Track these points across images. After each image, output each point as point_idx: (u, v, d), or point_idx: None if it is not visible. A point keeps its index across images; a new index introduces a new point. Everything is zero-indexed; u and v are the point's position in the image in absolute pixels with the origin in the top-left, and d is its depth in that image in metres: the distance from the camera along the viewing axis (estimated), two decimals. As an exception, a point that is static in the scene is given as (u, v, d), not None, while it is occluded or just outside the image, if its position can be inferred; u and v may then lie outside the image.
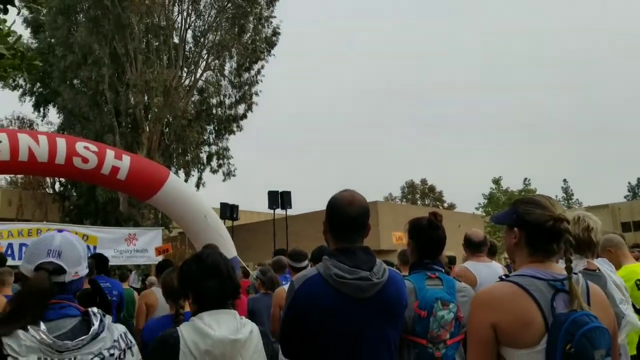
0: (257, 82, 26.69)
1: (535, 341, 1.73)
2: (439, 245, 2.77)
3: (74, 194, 26.67)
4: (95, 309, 1.79)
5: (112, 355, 1.71)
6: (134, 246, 12.98)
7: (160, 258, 12.92)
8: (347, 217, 2.26)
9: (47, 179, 26.63)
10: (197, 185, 26.50)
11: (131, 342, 1.82)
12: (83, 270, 1.84)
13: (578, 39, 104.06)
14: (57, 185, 27.84)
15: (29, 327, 1.60)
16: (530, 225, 1.91)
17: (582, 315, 1.70)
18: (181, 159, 25.97)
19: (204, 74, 25.67)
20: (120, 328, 1.82)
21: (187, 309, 3.07)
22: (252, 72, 26.54)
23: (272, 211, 19.45)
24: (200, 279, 2.15)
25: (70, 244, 1.81)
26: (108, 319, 1.79)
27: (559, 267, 1.91)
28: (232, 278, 2.19)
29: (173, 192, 13.02)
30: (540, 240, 1.91)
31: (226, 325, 2.05)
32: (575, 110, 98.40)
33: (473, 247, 4.66)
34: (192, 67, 25.27)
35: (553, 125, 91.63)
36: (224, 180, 27.28)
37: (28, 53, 3.96)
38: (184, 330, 2.03)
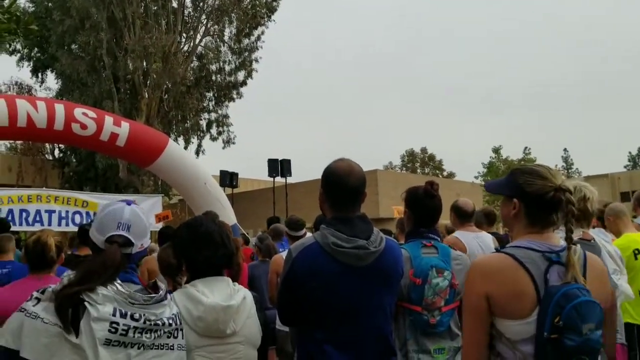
0: (257, 49, 26.38)
1: (526, 313, 1.75)
2: (435, 214, 2.78)
3: (74, 160, 26.63)
4: (161, 284, 1.88)
5: (170, 325, 1.78)
6: (134, 213, 13.01)
7: (160, 225, 13.00)
8: (346, 187, 2.26)
9: (47, 145, 26.53)
10: (197, 153, 26.49)
11: (181, 324, 1.88)
12: (147, 241, 1.94)
13: (581, 7, 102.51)
14: (56, 152, 27.78)
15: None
16: (530, 196, 1.89)
17: (573, 288, 1.70)
18: (180, 126, 25.83)
19: (203, 40, 25.35)
20: (176, 308, 1.89)
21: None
22: (252, 38, 26.18)
23: (272, 179, 19.47)
24: (193, 248, 2.14)
25: (138, 217, 1.88)
26: (169, 295, 1.88)
27: (557, 238, 1.91)
28: (225, 246, 2.18)
29: (172, 159, 13.01)
30: (540, 211, 1.89)
31: (219, 292, 2.06)
32: (576, 79, 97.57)
33: (463, 217, 4.63)
34: (191, 33, 24.92)
35: (554, 94, 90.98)
36: (223, 148, 27.25)
37: (24, 17, 3.91)
38: (177, 297, 2.04)
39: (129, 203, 1.91)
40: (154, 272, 5.82)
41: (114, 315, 1.63)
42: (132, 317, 1.66)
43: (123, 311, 1.65)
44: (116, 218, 1.83)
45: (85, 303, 1.60)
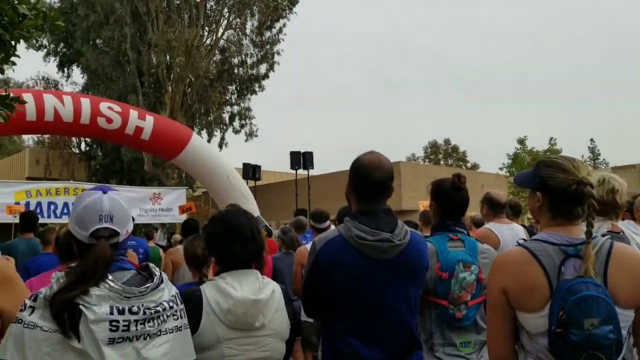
0: (279, 41, 26.37)
1: (540, 306, 1.75)
2: (462, 207, 2.75)
3: (100, 153, 27.03)
4: (152, 265, 1.83)
5: (171, 307, 1.74)
6: (159, 205, 13.20)
7: (184, 217, 13.15)
8: (373, 181, 2.24)
9: (73, 139, 26.96)
10: (220, 146, 26.62)
11: (182, 302, 1.85)
12: (131, 226, 1.86)
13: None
14: (83, 145, 28.24)
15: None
16: (552, 189, 1.88)
17: (579, 282, 1.69)
18: (204, 119, 26.01)
19: (225, 33, 25.42)
20: (174, 288, 1.84)
21: (211, 276, 3.12)
22: (274, 31, 26.20)
23: (294, 171, 19.50)
24: (223, 241, 2.14)
25: (119, 205, 1.80)
26: (165, 275, 1.81)
27: (581, 231, 1.87)
28: (255, 240, 2.17)
29: (196, 152, 13.16)
30: (562, 204, 1.88)
31: (248, 285, 2.06)
32: (603, 67, 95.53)
33: (496, 208, 4.58)
34: (214, 26, 25.03)
35: (580, 83, 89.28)
36: (246, 141, 27.38)
37: (50, 13, 3.95)
38: (207, 289, 2.05)
39: (105, 191, 1.82)
40: (178, 264, 5.89)
41: (111, 313, 1.58)
42: (130, 311, 1.62)
43: (120, 307, 1.60)
44: (96, 210, 1.74)
45: (81, 307, 1.56)
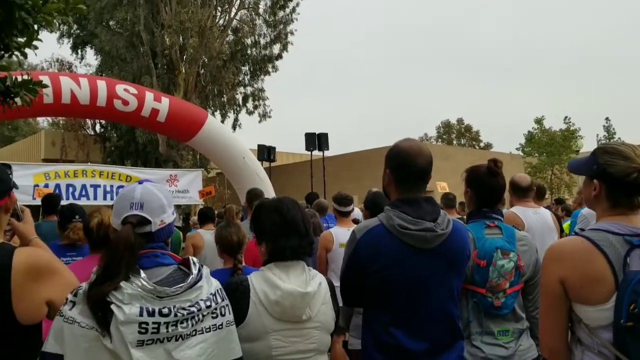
0: (293, 21, 26.13)
1: (604, 299, 1.68)
2: (498, 194, 2.69)
3: (114, 135, 27.10)
4: (194, 259, 1.78)
5: (208, 307, 1.68)
6: (176, 187, 13.21)
7: (200, 198, 13.21)
8: (415, 168, 2.20)
9: (88, 121, 27.04)
10: (234, 127, 26.55)
11: (226, 298, 1.80)
12: (169, 217, 1.80)
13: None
14: (97, 127, 28.31)
15: (130, 275, 1.60)
16: (611, 177, 1.80)
17: None
18: (217, 100, 25.94)
19: (238, 13, 25.24)
20: (216, 283, 1.79)
21: (244, 263, 3.11)
22: (287, 10, 25.95)
23: (309, 152, 19.44)
24: (277, 235, 2.10)
25: (152, 194, 1.77)
26: (206, 269, 1.76)
27: None
28: (308, 235, 2.14)
29: (212, 134, 13.15)
30: (622, 193, 1.81)
31: (295, 277, 2.04)
32: (617, 42, 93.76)
33: (520, 192, 4.56)
34: (226, 6, 24.83)
35: (594, 59, 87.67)
36: (259, 122, 27.28)
37: (72, -4, 3.93)
38: (254, 280, 2.02)
39: (141, 182, 1.82)
40: (199, 248, 5.96)
41: (141, 315, 1.54)
42: (160, 314, 1.57)
43: (150, 309, 1.56)
44: (128, 199, 1.75)
45: (112, 306, 1.53)
